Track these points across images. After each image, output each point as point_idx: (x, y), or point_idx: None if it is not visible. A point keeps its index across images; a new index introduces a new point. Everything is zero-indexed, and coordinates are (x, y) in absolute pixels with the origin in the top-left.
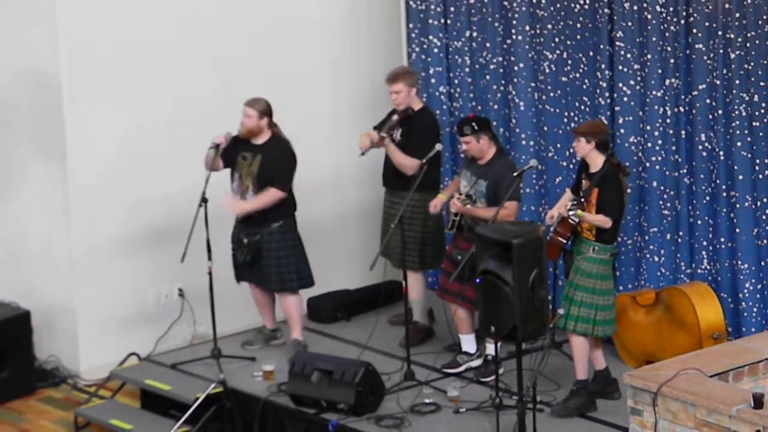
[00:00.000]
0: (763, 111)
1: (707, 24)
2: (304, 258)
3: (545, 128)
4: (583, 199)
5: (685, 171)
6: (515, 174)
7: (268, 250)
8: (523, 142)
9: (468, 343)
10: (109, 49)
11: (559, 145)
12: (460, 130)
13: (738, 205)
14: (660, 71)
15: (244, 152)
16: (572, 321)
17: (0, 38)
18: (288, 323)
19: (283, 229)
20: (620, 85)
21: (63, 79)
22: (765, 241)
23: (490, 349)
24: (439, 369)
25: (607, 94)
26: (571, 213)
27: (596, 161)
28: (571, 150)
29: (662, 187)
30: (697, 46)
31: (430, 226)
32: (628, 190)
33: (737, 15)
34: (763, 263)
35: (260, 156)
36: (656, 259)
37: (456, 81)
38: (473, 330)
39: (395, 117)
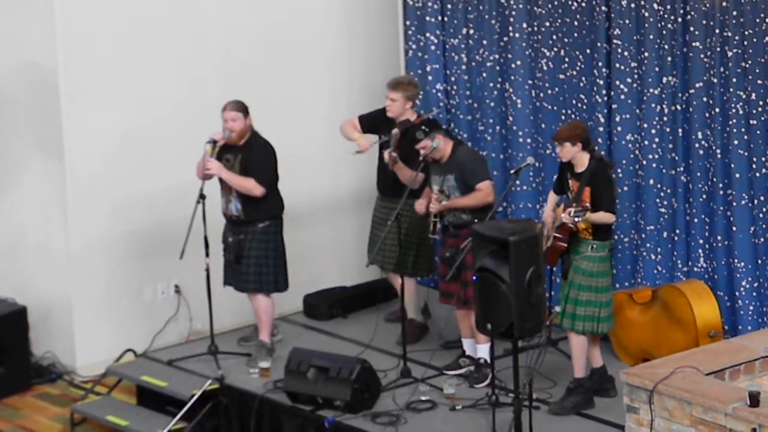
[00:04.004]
0: (760, 109)
1: (704, 22)
2: (283, 262)
3: (542, 126)
4: (578, 205)
5: (681, 169)
6: (512, 171)
7: (249, 249)
8: (520, 140)
9: (469, 346)
10: (107, 45)
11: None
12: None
13: (735, 203)
14: (657, 69)
15: (227, 155)
16: (579, 321)
17: None
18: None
19: (267, 230)
20: (617, 82)
21: (61, 75)
22: (761, 239)
23: (481, 351)
24: (435, 367)
25: (604, 92)
26: (577, 220)
27: (582, 160)
28: None
29: (659, 185)
30: (694, 44)
31: (422, 231)
32: (625, 188)
33: (734, 13)
34: (759, 261)
35: (241, 156)
36: (653, 257)
37: (453, 78)
38: (473, 334)
39: (396, 132)
